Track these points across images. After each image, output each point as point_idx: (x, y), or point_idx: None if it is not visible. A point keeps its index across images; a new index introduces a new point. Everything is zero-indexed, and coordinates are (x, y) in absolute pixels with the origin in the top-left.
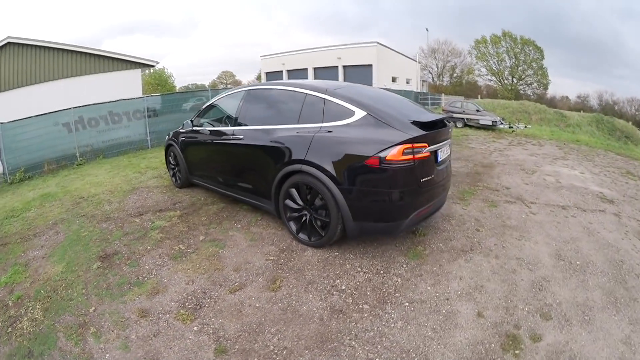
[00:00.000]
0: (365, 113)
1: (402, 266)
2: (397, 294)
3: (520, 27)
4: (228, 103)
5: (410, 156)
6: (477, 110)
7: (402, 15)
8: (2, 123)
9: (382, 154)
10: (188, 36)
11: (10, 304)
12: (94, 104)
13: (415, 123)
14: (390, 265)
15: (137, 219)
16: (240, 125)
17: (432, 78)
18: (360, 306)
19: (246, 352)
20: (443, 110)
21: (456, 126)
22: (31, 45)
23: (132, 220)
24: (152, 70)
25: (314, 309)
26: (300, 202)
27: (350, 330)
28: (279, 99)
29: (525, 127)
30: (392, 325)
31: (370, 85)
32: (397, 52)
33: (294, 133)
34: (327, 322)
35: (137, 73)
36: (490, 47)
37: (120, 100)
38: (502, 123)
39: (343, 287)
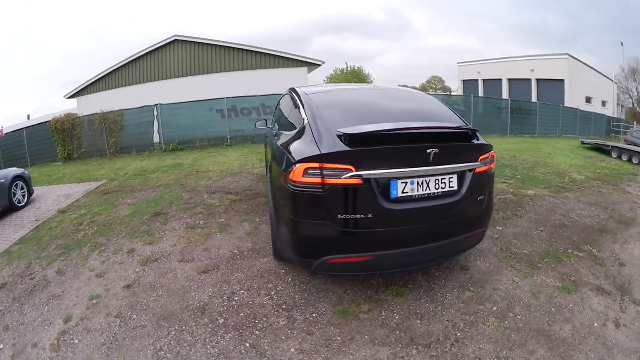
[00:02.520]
0: (307, 122)
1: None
2: None
3: None
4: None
5: (317, 179)
6: None
7: (604, 29)
8: (160, 104)
9: (289, 172)
10: (398, 39)
11: (84, 223)
12: (246, 96)
13: (344, 135)
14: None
15: (205, 195)
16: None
17: (632, 103)
18: None
19: (153, 287)
20: (625, 140)
21: (632, 162)
22: (195, 42)
23: (202, 195)
24: (342, 68)
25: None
26: None
27: None
28: (288, 105)
29: None
30: None
31: (561, 103)
32: (593, 69)
33: (276, 140)
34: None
35: (303, 71)
36: None
37: (271, 94)
38: None
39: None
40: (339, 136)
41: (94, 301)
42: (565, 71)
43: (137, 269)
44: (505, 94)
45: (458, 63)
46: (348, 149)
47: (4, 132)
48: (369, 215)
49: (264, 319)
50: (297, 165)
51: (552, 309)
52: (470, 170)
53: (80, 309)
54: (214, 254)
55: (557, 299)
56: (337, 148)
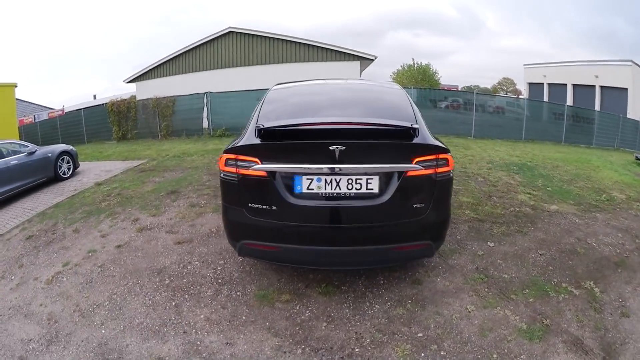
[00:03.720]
0: (252, 115)
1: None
2: None
3: None
4: None
5: (234, 169)
6: None
7: None
8: (210, 92)
9: (219, 161)
10: (470, 38)
11: (112, 195)
12: None
13: (258, 130)
14: None
15: None
16: None
17: None
18: None
19: (136, 249)
20: None
21: None
22: (249, 34)
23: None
24: (408, 65)
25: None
26: None
27: None
28: None
29: None
30: None
31: (623, 114)
32: None
33: None
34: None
35: (355, 65)
36: None
37: None
38: None
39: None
40: (257, 130)
41: (90, 254)
42: (628, 79)
43: (132, 235)
44: (569, 101)
45: (524, 65)
46: (257, 142)
47: (65, 111)
48: (274, 207)
49: (198, 287)
50: (222, 155)
51: (494, 356)
52: (399, 172)
53: (78, 259)
54: (196, 230)
55: (510, 345)
56: (249, 141)
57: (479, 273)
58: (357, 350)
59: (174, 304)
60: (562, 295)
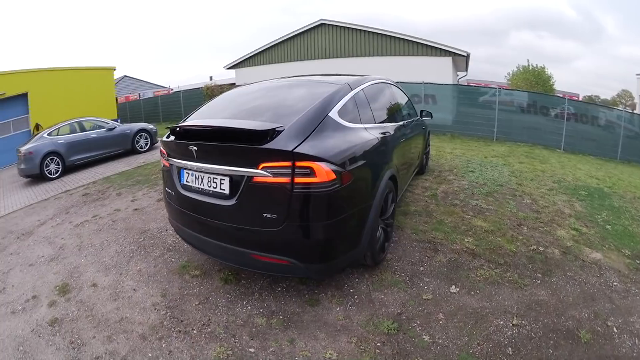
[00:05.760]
0: None
1: None
2: None
3: None
4: None
5: (163, 159)
6: None
7: None
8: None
9: None
10: (591, 43)
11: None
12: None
13: (170, 128)
14: None
15: None
16: None
17: None
18: None
19: (145, 213)
20: None
21: None
22: (340, 27)
23: None
24: (524, 67)
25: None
26: None
27: None
28: None
29: None
30: None
31: None
32: None
33: None
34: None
35: (447, 61)
36: None
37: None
38: None
39: None
40: (170, 127)
41: (114, 212)
42: None
43: (151, 203)
44: None
45: (637, 75)
46: (165, 139)
47: (173, 90)
48: (172, 193)
49: (153, 249)
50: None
51: None
52: (247, 176)
53: (104, 213)
54: None
55: None
56: (164, 137)
57: (395, 321)
58: (194, 332)
59: (131, 255)
60: None
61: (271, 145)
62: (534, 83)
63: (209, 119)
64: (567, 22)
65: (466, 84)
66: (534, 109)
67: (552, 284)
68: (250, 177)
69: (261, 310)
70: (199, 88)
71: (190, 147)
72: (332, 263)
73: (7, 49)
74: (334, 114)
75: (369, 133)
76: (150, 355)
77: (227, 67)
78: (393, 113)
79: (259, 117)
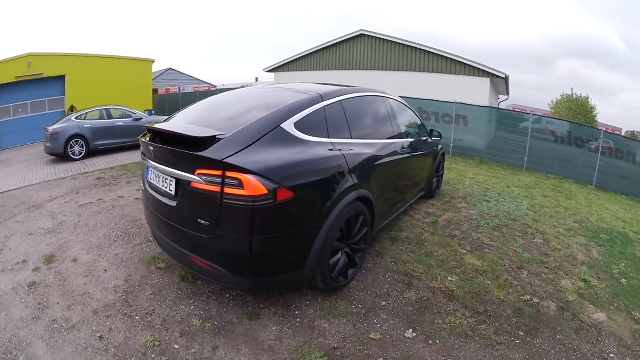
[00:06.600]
0: None
1: None
2: None
3: None
4: None
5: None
6: None
7: None
8: None
9: None
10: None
11: None
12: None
13: (144, 127)
14: None
15: None
16: None
17: None
18: None
19: (140, 203)
20: None
21: None
22: (379, 38)
23: None
24: (567, 96)
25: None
26: None
27: None
28: None
29: None
30: None
31: None
32: None
33: None
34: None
35: (484, 82)
36: None
37: (429, 99)
38: None
39: None
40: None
41: (117, 197)
42: None
43: None
44: None
45: None
46: (140, 137)
47: (211, 88)
48: (143, 188)
49: (136, 237)
50: None
51: None
52: (187, 180)
53: (108, 198)
54: None
55: None
56: (140, 136)
57: (326, 355)
58: (137, 317)
59: (114, 239)
60: None
61: (204, 152)
62: (577, 113)
63: (167, 123)
64: (615, 53)
65: (511, 108)
66: (569, 139)
67: (532, 347)
68: (188, 182)
69: (201, 312)
70: (232, 89)
71: (150, 147)
72: (265, 280)
73: (68, 32)
74: (288, 125)
75: (333, 149)
76: (94, 328)
77: (267, 69)
78: (382, 129)
79: (216, 124)
